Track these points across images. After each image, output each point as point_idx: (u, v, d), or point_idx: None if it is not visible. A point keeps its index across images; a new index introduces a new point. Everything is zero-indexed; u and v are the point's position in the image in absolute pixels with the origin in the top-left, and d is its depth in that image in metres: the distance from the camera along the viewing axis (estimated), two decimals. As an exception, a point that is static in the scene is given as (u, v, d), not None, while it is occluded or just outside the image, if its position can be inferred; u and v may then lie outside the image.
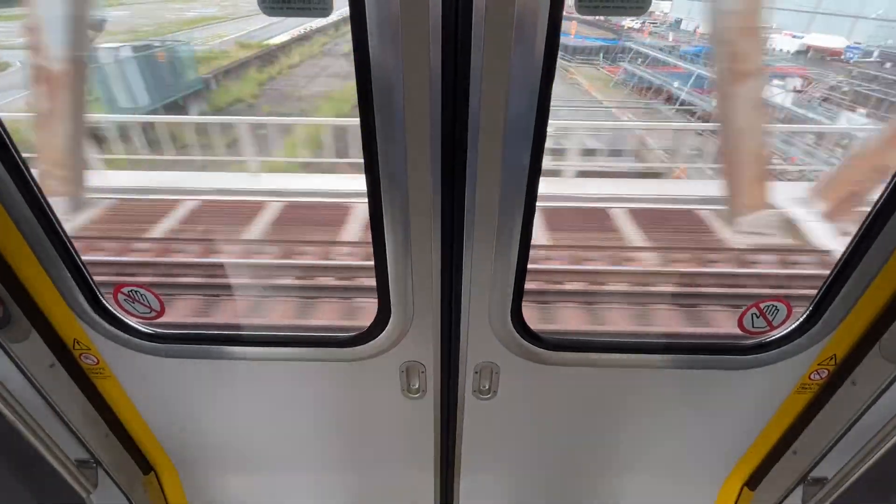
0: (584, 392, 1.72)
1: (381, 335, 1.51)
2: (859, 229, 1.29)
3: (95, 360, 1.60)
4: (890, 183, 1.19)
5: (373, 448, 1.97)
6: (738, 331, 1.53)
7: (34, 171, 1.23)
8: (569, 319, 4.17)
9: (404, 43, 0.98)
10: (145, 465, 1.96)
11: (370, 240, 1.31)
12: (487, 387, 1.66)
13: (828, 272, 1.40)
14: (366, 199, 1.24)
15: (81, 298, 1.44)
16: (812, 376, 1.59)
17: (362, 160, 1.18)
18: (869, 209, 1.25)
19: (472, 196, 1.21)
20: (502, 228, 1.26)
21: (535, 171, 1.17)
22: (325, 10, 0.99)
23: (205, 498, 2.16)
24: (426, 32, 0.98)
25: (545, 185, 1.27)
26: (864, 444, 1.41)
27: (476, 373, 1.62)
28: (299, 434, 1.94)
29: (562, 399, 1.75)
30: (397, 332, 1.50)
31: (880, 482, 1.53)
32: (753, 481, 1.94)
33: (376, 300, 1.45)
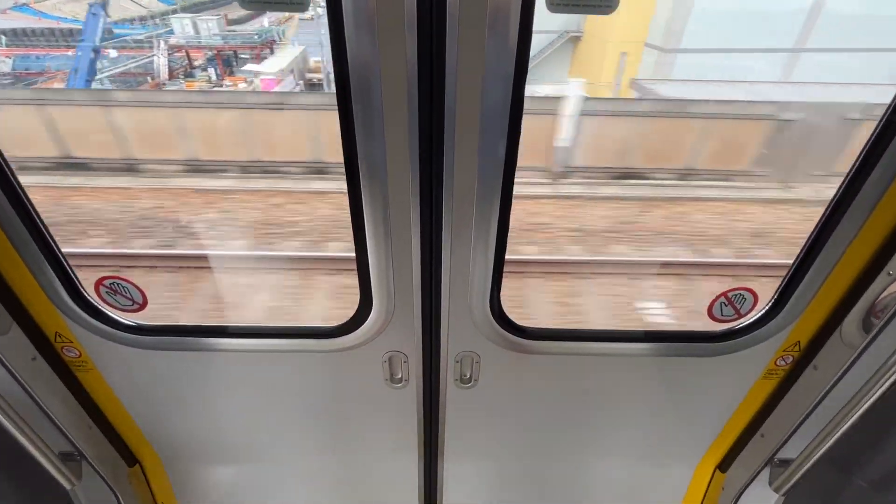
0: (562, 380, 1.77)
1: (364, 326, 1.54)
2: (819, 221, 1.35)
3: (77, 353, 1.60)
4: (847, 175, 1.25)
5: (357, 437, 2.00)
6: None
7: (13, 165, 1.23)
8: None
9: (380, 36, 1.00)
10: (130, 458, 1.96)
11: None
12: (469, 375, 1.70)
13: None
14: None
15: (62, 291, 1.44)
16: (778, 362, 1.66)
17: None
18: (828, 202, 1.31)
19: (450, 187, 1.23)
20: (480, 219, 1.29)
21: (510, 163, 1.21)
22: (301, 4, 1.01)
23: (190, 489, 2.17)
24: (402, 25, 0.99)
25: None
26: (824, 425, 1.48)
27: (457, 362, 1.66)
28: (284, 424, 1.96)
29: (540, 386, 1.80)
30: (379, 322, 1.52)
31: (840, 461, 1.61)
32: (724, 464, 2.02)
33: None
